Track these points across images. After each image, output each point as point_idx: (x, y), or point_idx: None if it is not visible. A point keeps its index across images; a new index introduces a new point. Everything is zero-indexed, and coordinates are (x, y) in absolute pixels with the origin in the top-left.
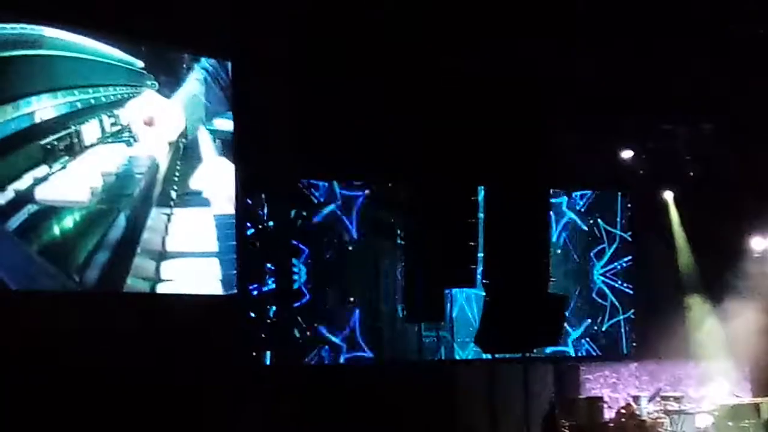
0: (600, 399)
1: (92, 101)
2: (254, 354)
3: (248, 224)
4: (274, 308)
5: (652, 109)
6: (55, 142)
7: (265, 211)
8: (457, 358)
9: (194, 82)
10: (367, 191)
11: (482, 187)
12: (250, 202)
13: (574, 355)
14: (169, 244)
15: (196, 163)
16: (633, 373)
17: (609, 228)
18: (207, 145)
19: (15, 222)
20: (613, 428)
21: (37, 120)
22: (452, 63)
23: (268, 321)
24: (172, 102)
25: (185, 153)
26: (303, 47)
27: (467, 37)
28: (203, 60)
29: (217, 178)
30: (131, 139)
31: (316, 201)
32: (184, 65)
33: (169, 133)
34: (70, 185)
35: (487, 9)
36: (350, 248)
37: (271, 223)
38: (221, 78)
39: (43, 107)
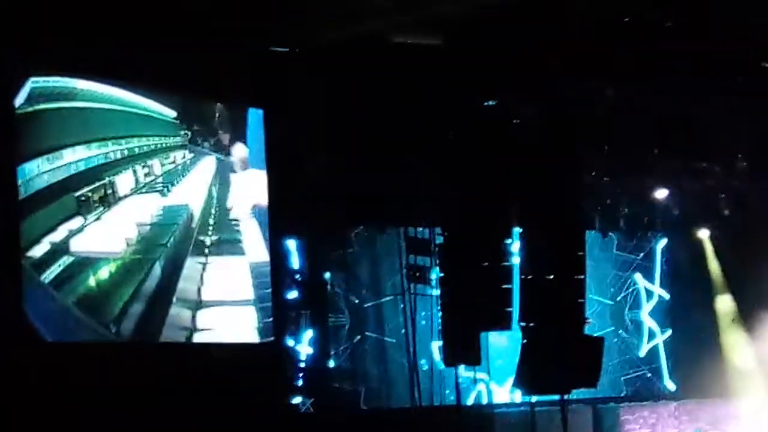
0: None
1: (126, 152)
2: (292, 402)
3: (284, 272)
4: (309, 356)
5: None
6: (90, 194)
7: (301, 258)
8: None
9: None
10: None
11: (517, 229)
12: (285, 249)
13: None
14: (205, 293)
15: (230, 210)
16: (672, 414)
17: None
18: (239, 193)
19: (51, 274)
20: None
21: (72, 172)
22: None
23: (305, 369)
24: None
25: (218, 201)
26: (336, 92)
27: (502, 79)
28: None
29: (251, 225)
30: (165, 189)
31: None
32: (217, 114)
33: (202, 182)
34: (105, 236)
35: (520, 51)
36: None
37: (306, 271)
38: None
39: (78, 159)
